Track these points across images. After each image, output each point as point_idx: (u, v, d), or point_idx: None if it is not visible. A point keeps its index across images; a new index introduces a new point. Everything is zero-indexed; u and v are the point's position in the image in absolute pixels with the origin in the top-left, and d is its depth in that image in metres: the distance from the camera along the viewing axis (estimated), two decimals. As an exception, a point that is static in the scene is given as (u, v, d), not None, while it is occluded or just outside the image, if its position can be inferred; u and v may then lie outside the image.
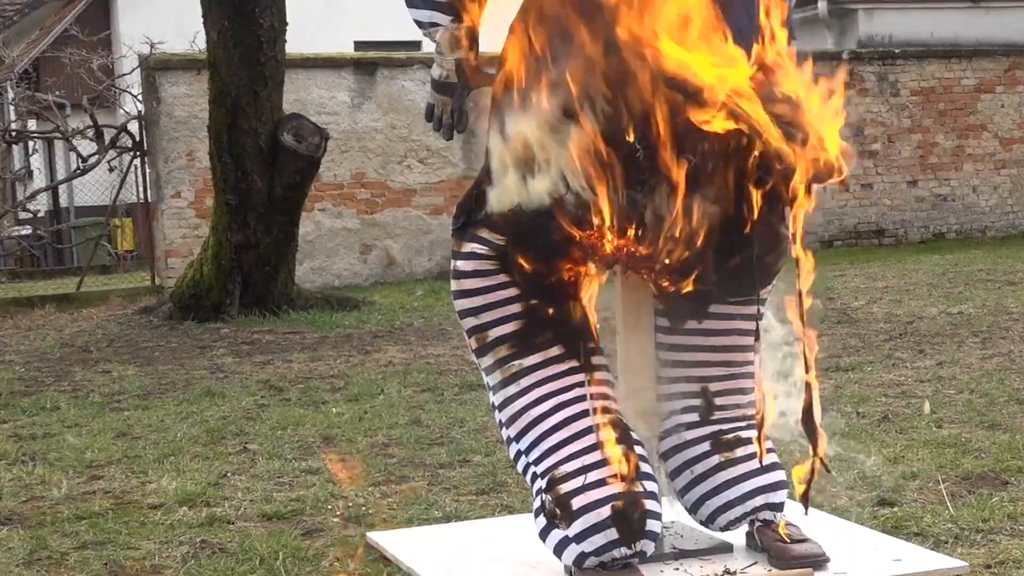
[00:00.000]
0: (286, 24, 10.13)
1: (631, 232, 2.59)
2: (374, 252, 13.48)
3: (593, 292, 3.03)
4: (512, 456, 3.10)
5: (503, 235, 2.72)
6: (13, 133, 15.73)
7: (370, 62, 13.66)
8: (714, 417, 3.14)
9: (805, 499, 2.90)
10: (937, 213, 15.76)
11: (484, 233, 2.76)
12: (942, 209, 15.77)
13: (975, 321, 8.06)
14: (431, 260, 13.50)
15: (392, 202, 13.55)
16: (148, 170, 13.27)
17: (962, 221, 15.85)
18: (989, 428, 4.94)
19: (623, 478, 2.90)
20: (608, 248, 2.63)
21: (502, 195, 2.64)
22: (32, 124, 18.02)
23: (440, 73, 2.90)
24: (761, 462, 2.92)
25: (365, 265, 13.46)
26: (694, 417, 3.15)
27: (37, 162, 19.39)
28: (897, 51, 15.59)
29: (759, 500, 3.17)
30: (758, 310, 2.89)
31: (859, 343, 7.43)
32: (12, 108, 18.41)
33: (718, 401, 3.10)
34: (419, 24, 2.92)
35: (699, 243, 2.57)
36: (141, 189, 13.65)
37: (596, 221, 2.58)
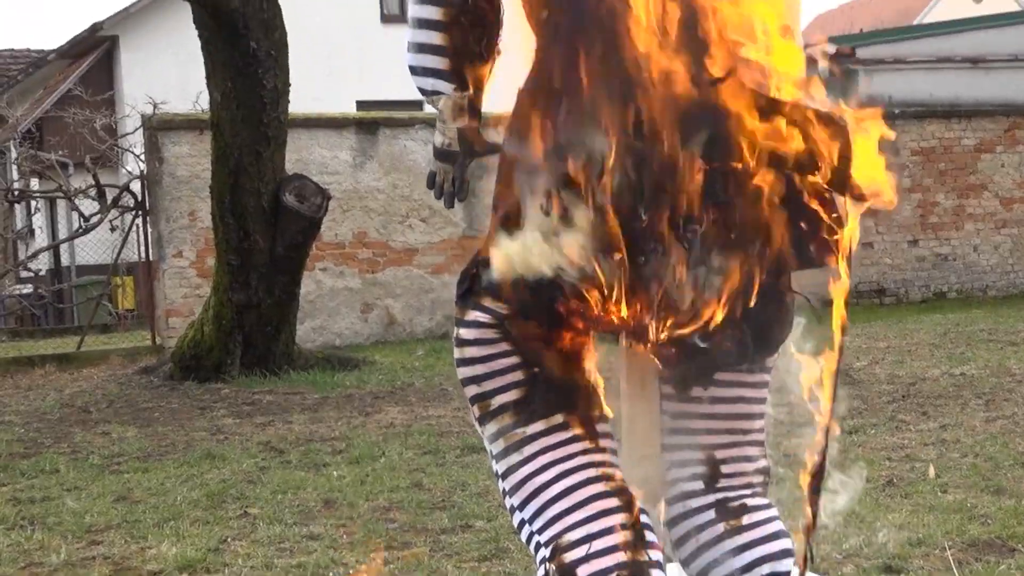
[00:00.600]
0: (289, 85, 10.18)
1: (635, 305, 2.57)
2: (375, 311, 13.48)
3: (597, 357, 3.01)
4: (516, 524, 3.06)
5: (505, 304, 2.71)
6: (16, 192, 15.77)
7: (372, 122, 13.74)
8: (720, 484, 3.10)
9: (804, 564, 2.86)
10: (938, 272, 15.78)
11: (487, 301, 2.74)
12: (943, 268, 15.79)
13: (978, 383, 8.04)
14: (432, 320, 13.50)
15: (393, 261, 13.57)
16: (150, 229, 13.30)
17: (963, 280, 15.87)
18: (995, 493, 4.91)
19: (628, 547, 2.86)
20: (612, 320, 2.62)
21: (504, 265, 2.62)
22: (35, 183, 18.09)
23: (442, 141, 2.89)
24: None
25: (366, 324, 13.45)
26: (699, 484, 3.12)
27: (39, 221, 19.45)
28: (897, 111, 15.66)
29: (765, 568, 3.13)
30: (766, 379, 2.87)
31: (862, 405, 7.40)
32: (15, 167, 18.48)
33: (724, 469, 3.06)
34: (422, 91, 2.91)
35: (706, 318, 2.55)
36: (143, 248, 13.68)
37: (598, 293, 2.56)
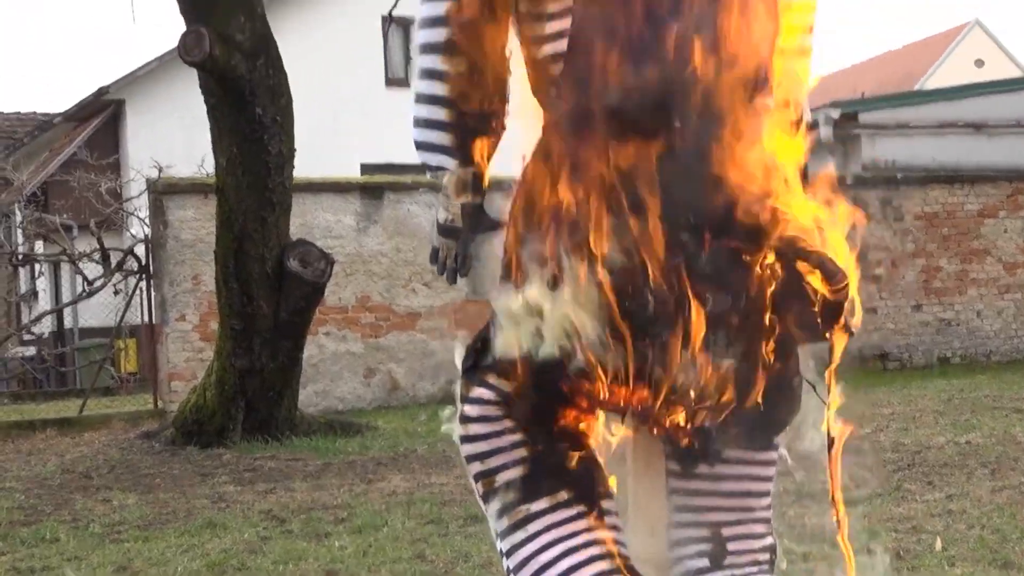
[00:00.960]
0: (294, 150, 10.22)
1: (641, 388, 2.56)
2: (378, 376, 13.45)
3: (602, 432, 2.99)
4: (520, 603, 3.04)
5: (509, 381, 2.70)
6: (20, 256, 15.81)
7: (376, 186, 13.78)
8: (726, 562, 3.07)
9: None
10: (942, 338, 15.76)
11: (491, 379, 2.73)
12: (946, 334, 15.77)
13: (983, 451, 7.99)
14: (435, 384, 13.47)
15: (396, 325, 13.56)
16: (153, 293, 13.31)
17: (966, 346, 15.84)
18: (1002, 567, 4.86)
19: (633, 626, 2.84)
20: (617, 401, 2.61)
21: (508, 344, 2.62)
22: (39, 245, 18.14)
23: (445, 217, 2.89)
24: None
25: (369, 389, 13.43)
26: (705, 562, 3.09)
27: (43, 283, 19.48)
28: (900, 176, 15.71)
29: (771, 646, 3.10)
30: (773, 456, 2.85)
31: (867, 474, 7.35)
32: (20, 231, 18.54)
33: (731, 546, 3.04)
34: (426, 166, 2.91)
35: (712, 403, 2.54)
36: (146, 311, 13.68)
37: (603, 376, 2.55)
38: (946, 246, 15.78)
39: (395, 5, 12.18)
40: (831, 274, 2.55)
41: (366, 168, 21.95)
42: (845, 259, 2.61)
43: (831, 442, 2.76)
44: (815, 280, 2.58)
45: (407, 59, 25.68)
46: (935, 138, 16.48)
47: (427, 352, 13.52)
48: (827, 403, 2.69)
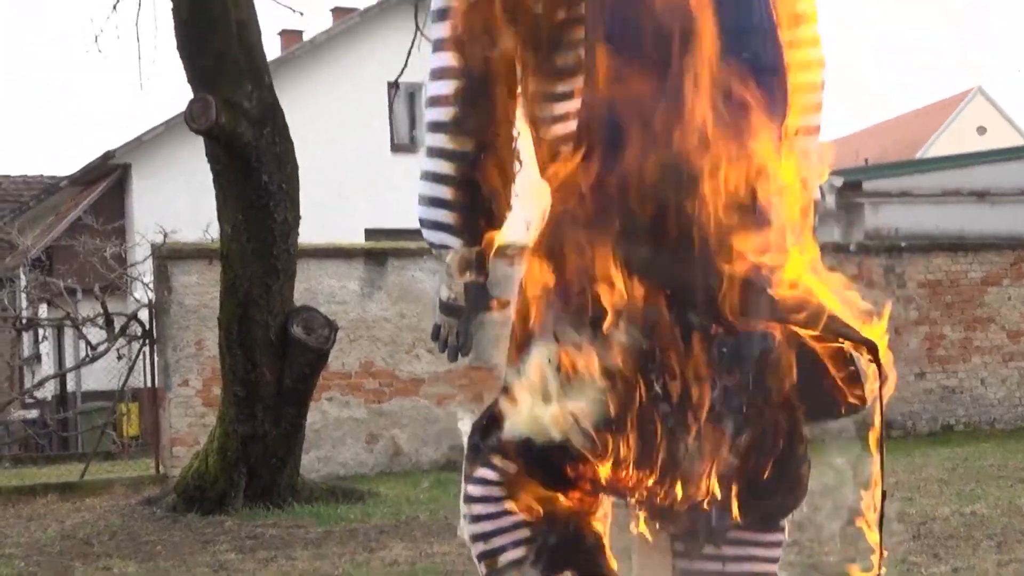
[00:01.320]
0: (299, 218, 10.25)
1: (644, 473, 2.56)
2: (381, 442, 13.41)
3: (607, 511, 2.99)
4: None
5: (514, 463, 2.70)
6: (24, 321, 15.84)
7: (381, 252, 13.81)
8: (731, 643, 3.06)
9: None
10: (945, 405, 15.71)
11: (495, 459, 2.74)
12: (950, 401, 15.73)
13: (989, 522, 7.94)
14: (438, 450, 13.42)
15: (400, 391, 13.54)
16: (156, 358, 13.30)
17: (970, 413, 15.80)
18: (1009, 643, 4.83)
19: None
20: (621, 485, 2.61)
21: (513, 425, 2.62)
22: (43, 308, 18.17)
23: (448, 296, 2.90)
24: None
25: (371, 455, 13.39)
26: (709, 643, 3.08)
27: (46, 347, 19.49)
28: (903, 244, 15.73)
29: None
30: (780, 538, 2.85)
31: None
32: (24, 295, 18.59)
33: (736, 628, 3.02)
34: (431, 244, 2.93)
35: (720, 490, 2.54)
36: (149, 375, 13.67)
37: (608, 459, 2.56)
38: (949, 314, 15.77)
39: (401, 72, 12.28)
40: (860, 344, 2.55)
41: (371, 233, 22.03)
42: (870, 330, 2.62)
43: (882, 515, 2.75)
44: (850, 349, 2.59)
45: (412, 125, 25.83)
46: (938, 206, 16.53)
47: (430, 418, 13.48)
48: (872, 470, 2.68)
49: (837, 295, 2.62)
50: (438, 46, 2.86)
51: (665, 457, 2.52)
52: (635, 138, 2.60)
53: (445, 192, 2.88)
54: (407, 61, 11.79)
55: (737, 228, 2.57)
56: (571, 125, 2.70)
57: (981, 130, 40.27)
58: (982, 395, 15.85)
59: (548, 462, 2.62)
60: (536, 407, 2.56)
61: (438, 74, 2.85)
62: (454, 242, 2.87)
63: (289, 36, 28.76)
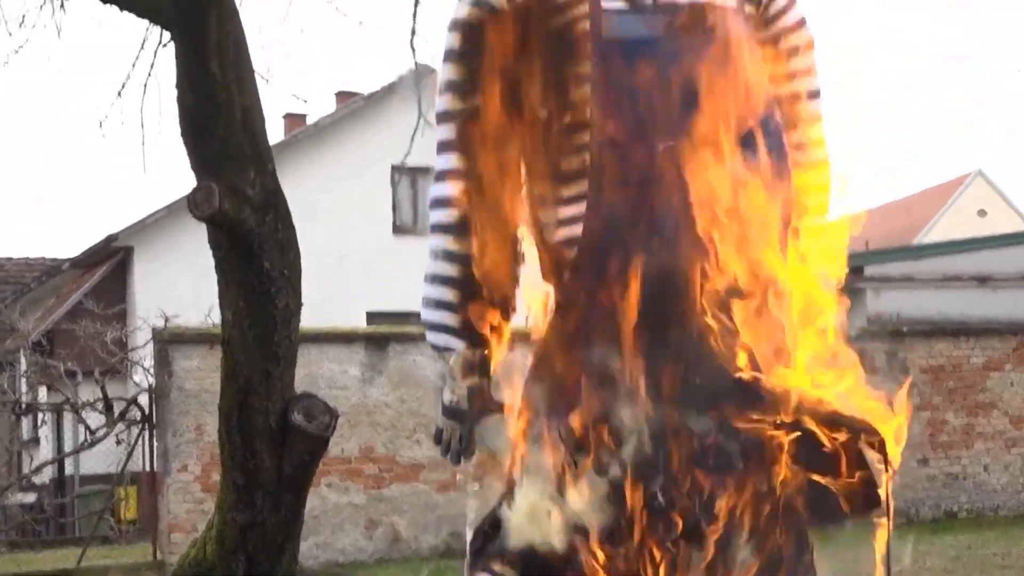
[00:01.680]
0: (301, 304, 10.21)
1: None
2: (380, 528, 13.31)
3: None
4: None
5: (514, 570, 2.67)
6: (23, 406, 15.79)
7: (382, 336, 13.78)
8: None
9: None
10: (948, 492, 15.61)
11: (496, 566, 2.70)
12: (953, 488, 15.63)
13: (994, 615, 7.87)
14: (437, 537, 13.32)
15: (400, 477, 13.45)
16: (156, 443, 13.23)
17: (973, 500, 15.69)
18: None
19: None
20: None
21: (515, 533, 2.59)
22: (42, 392, 18.11)
23: (451, 399, 2.87)
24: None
25: (371, 541, 13.27)
26: None
27: (45, 431, 19.41)
28: (905, 329, 15.71)
29: None
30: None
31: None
32: (24, 379, 18.53)
33: None
34: (434, 347, 2.91)
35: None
36: (147, 460, 13.59)
37: (610, 571, 2.53)
38: (952, 399, 15.72)
39: (407, 155, 12.32)
40: (872, 437, 2.53)
41: (372, 316, 22.02)
42: (885, 426, 2.59)
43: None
44: (869, 452, 2.56)
45: (415, 207, 25.92)
46: (940, 291, 16.54)
47: (430, 504, 13.39)
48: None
49: (851, 390, 2.60)
50: (443, 147, 2.86)
51: (667, 571, 2.48)
52: (639, 239, 2.59)
53: (449, 294, 2.87)
54: (411, 146, 11.83)
55: (744, 331, 2.56)
56: (576, 229, 2.69)
57: (981, 213, 40.41)
58: (985, 481, 15.76)
59: (550, 570, 2.59)
60: (537, 517, 2.53)
61: (442, 176, 2.85)
62: (458, 344, 2.85)
63: (293, 120, 28.95)
